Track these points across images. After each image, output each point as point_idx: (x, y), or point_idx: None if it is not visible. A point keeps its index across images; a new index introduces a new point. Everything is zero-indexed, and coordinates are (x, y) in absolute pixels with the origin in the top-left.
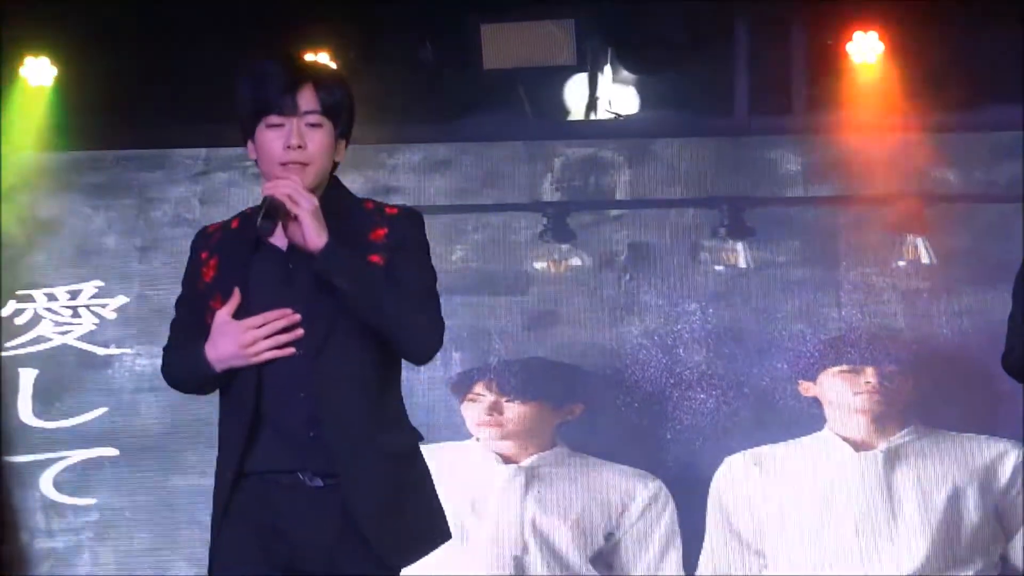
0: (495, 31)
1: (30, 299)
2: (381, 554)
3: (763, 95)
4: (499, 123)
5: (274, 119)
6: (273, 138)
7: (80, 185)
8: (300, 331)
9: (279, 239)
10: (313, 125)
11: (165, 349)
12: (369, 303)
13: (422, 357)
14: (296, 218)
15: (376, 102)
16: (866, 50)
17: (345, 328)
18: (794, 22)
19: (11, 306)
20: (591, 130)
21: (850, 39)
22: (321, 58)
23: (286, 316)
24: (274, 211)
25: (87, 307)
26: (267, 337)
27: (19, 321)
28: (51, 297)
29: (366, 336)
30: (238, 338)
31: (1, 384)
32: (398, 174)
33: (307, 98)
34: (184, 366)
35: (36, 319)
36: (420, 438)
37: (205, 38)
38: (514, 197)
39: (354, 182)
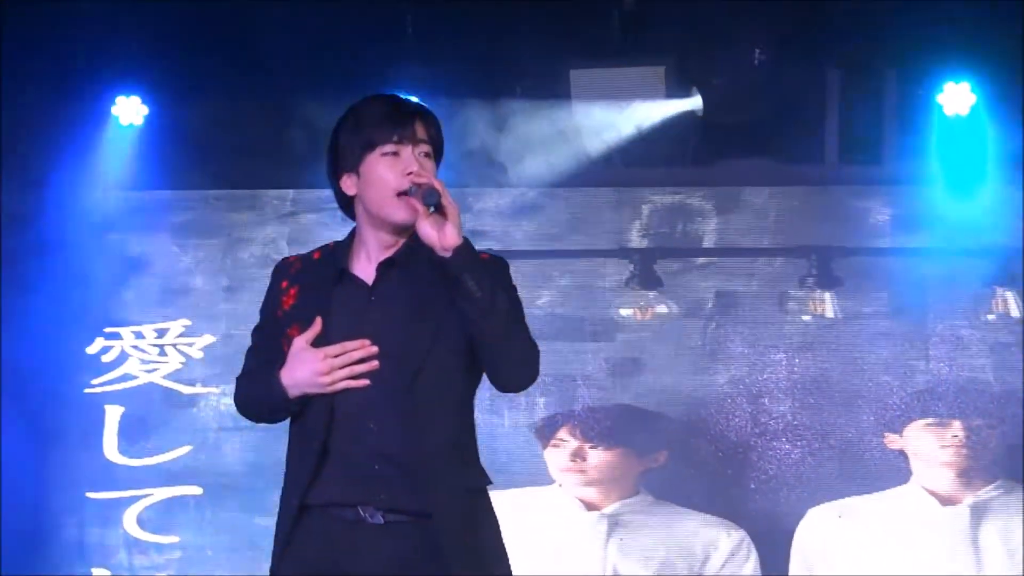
0: (585, 76)
1: (117, 336)
2: None
3: (853, 144)
4: (588, 169)
5: (390, 148)
6: (389, 165)
7: (169, 224)
8: (375, 363)
9: (365, 272)
10: (426, 155)
11: (239, 378)
12: (490, 311)
13: (522, 382)
14: (441, 211)
15: (465, 145)
16: (958, 101)
17: (436, 363)
18: (886, 72)
19: (99, 343)
20: (680, 177)
21: (942, 90)
22: None
23: (364, 347)
24: (435, 195)
25: (174, 346)
26: (343, 367)
27: (106, 358)
28: (138, 335)
29: (453, 373)
30: (315, 366)
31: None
32: (484, 218)
33: (421, 129)
34: (257, 391)
35: (123, 357)
36: (490, 482)
37: (295, 80)
38: (601, 243)
39: None
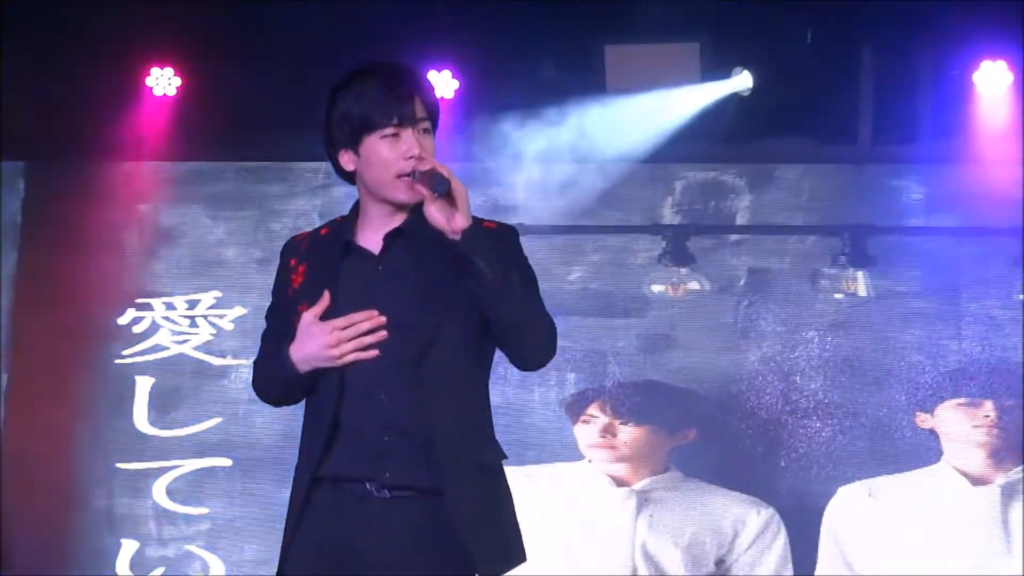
0: (620, 52)
1: (149, 308)
2: (477, 562)
3: (888, 123)
4: (621, 144)
5: (390, 131)
6: (390, 147)
7: (201, 196)
8: (384, 333)
9: (371, 243)
10: (425, 131)
11: (255, 361)
12: (503, 292)
13: (540, 359)
14: (448, 195)
15: (497, 120)
16: (993, 80)
17: (446, 336)
18: (921, 50)
19: (130, 314)
20: (713, 154)
21: (977, 69)
22: (443, 76)
23: (372, 318)
24: (445, 184)
25: (205, 317)
26: (352, 339)
27: (137, 329)
28: (169, 306)
29: (464, 346)
30: (323, 339)
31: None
32: (517, 192)
33: (420, 106)
34: (270, 370)
35: (154, 328)
36: (505, 456)
37: (330, 53)
38: (634, 219)
39: (474, 200)
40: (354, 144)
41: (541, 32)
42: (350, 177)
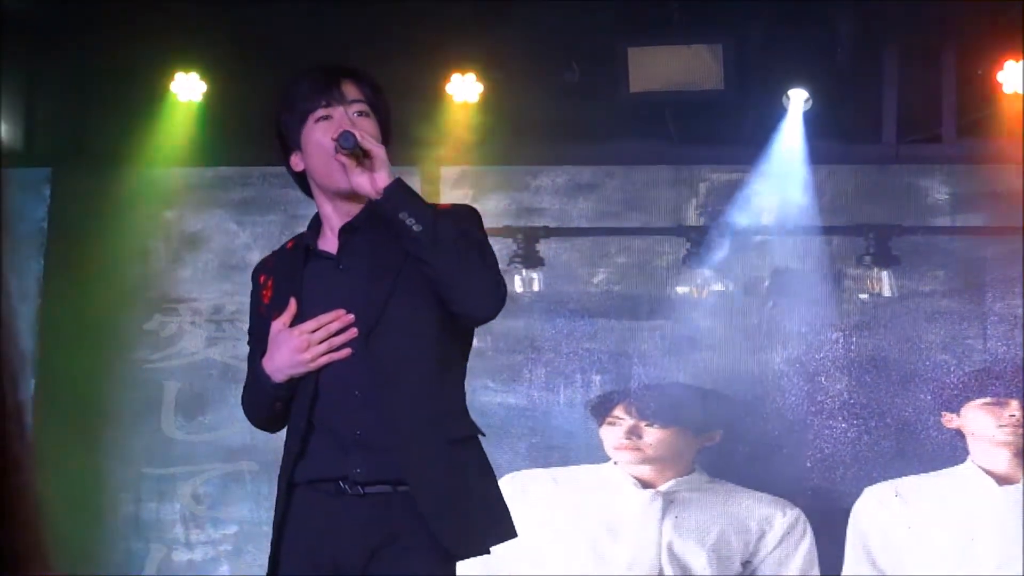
0: (643, 54)
1: (175, 313)
2: (445, 543)
3: (912, 123)
4: (644, 147)
5: (321, 112)
6: (324, 130)
7: (226, 200)
8: (354, 331)
9: (330, 245)
10: (361, 113)
11: (244, 387)
12: (433, 242)
13: (483, 310)
14: (367, 156)
15: (522, 123)
16: (1017, 79)
17: (397, 316)
18: (944, 50)
19: (157, 319)
20: (737, 155)
21: (1001, 68)
22: (468, 79)
23: (339, 318)
24: (350, 137)
25: (231, 322)
26: (322, 341)
27: (164, 334)
28: (196, 311)
29: (420, 325)
30: (292, 343)
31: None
32: (542, 195)
33: (351, 89)
34: (251, 390)
35: (181, 332)
36: (480, 432)
37: (354, 56)
38: (658, 221)
39: (499, 203)
40: (297, 141)
41: (564, 34)
42: (306, 184)
